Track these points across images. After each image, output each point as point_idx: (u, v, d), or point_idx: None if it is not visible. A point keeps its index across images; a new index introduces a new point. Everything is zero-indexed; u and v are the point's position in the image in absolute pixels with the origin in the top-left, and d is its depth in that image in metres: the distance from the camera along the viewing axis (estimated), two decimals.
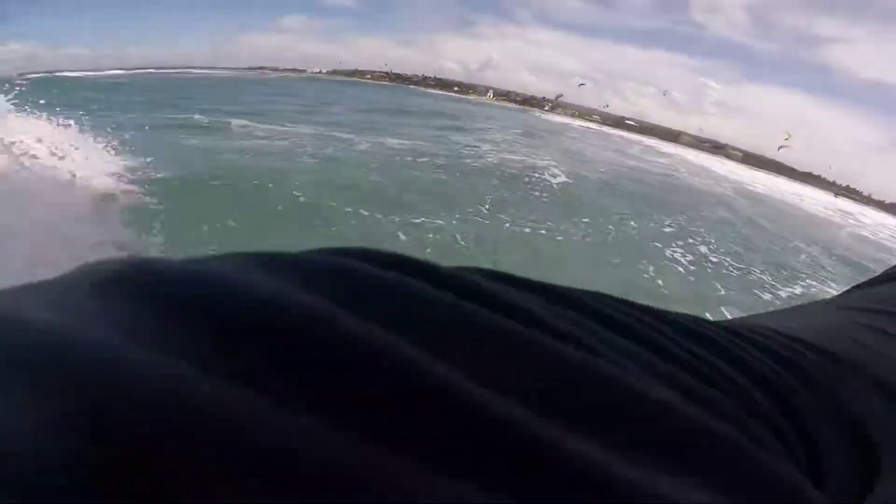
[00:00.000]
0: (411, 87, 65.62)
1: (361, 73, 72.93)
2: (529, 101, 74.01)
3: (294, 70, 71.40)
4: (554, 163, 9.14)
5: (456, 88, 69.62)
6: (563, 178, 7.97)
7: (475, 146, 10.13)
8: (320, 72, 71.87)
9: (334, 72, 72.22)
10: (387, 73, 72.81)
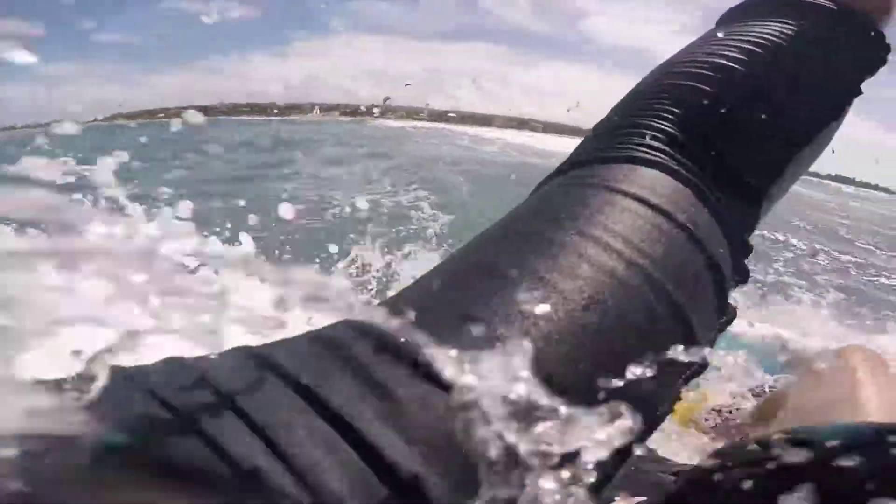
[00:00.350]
0: (219, 118, 57.34)
1: (152, 113, 63.96)
2: (358, 111, 73.19)
3: (53, 122, 59.20)
4: (423, 193, 7.52)
5: (276, 111, 64.57)
6: (444, 217, 6.40)
7: (319, 194, 7.70)
8: (94, 120, 57.41)
9: (114, 116, 59.54)
10: (185, 107, 62.22)
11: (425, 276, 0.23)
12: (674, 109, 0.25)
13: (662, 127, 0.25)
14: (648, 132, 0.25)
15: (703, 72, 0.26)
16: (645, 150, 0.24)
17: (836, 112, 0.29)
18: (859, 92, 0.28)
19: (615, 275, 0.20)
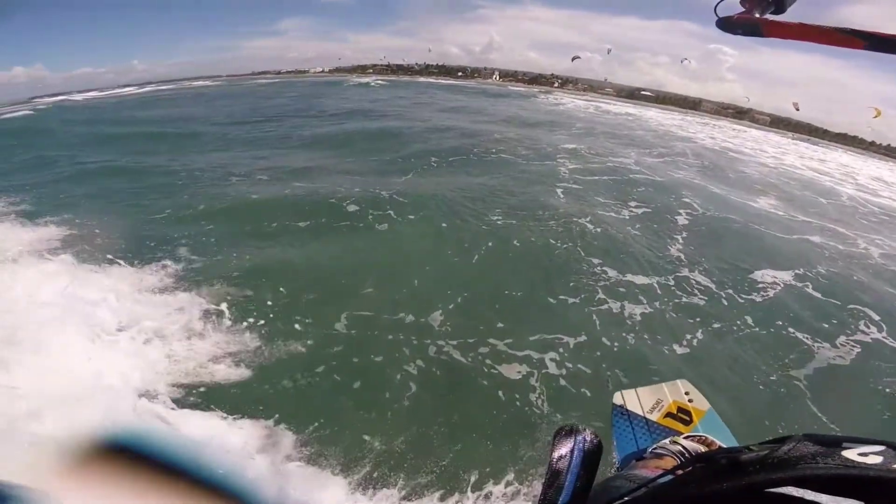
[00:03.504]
0: (404, 79, 62.34)
1: (363, 69, 70.20)
2: (537, 80, 79.72)
3: (297, 72, 70.15)
4: None
5: (460, 74, 70.78)
6: None
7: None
8: (322, 71, 70.21)
9: (336, 69, 72.36)
10: (388, 65, 71.82)
11: None
12: None
13: None
14: None
15: None
16: None
17: None
18: None
19: None
